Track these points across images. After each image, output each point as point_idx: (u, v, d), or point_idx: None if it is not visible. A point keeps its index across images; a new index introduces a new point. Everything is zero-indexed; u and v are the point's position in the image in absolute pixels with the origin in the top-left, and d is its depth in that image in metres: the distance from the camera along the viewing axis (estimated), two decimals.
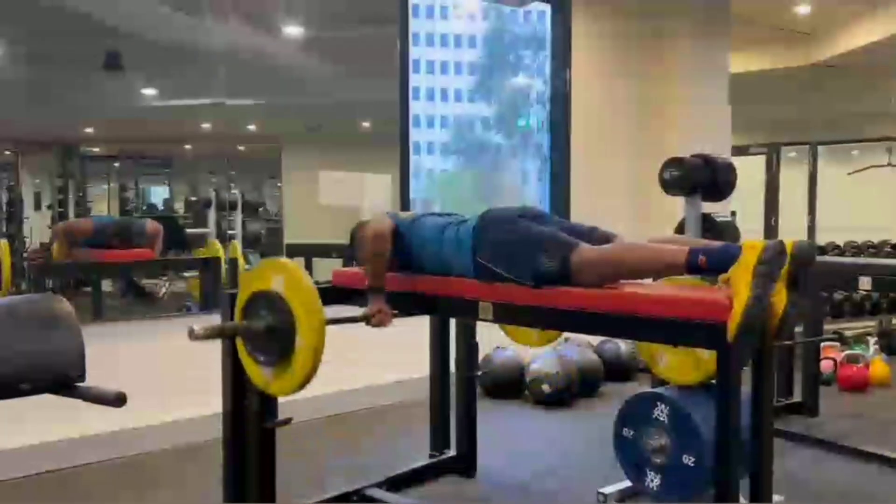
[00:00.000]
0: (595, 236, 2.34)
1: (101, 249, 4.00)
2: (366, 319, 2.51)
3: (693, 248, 2.03)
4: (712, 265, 1.98)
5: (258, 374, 2.25)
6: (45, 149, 4.01)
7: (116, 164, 4.33)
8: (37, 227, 3.89)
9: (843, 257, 6.70)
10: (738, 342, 1.84)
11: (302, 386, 2.14)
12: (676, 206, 3.78)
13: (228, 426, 2.54)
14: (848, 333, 4.24)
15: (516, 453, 3.63)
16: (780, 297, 1.90)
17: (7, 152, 3.73)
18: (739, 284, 1.85)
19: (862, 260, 6.06)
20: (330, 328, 2.14)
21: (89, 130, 4.16)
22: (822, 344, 4.40)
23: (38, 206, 3.93)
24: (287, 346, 2.13)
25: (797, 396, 4.22)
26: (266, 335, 2.18)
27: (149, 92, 4.11)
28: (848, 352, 4.89)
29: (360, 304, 2.63)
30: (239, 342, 2.29)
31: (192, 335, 2.07)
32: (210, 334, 2.14)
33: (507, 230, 2.33)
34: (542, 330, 2.98)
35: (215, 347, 2.47)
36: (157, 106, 4.13)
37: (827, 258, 5.90)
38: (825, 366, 4.64)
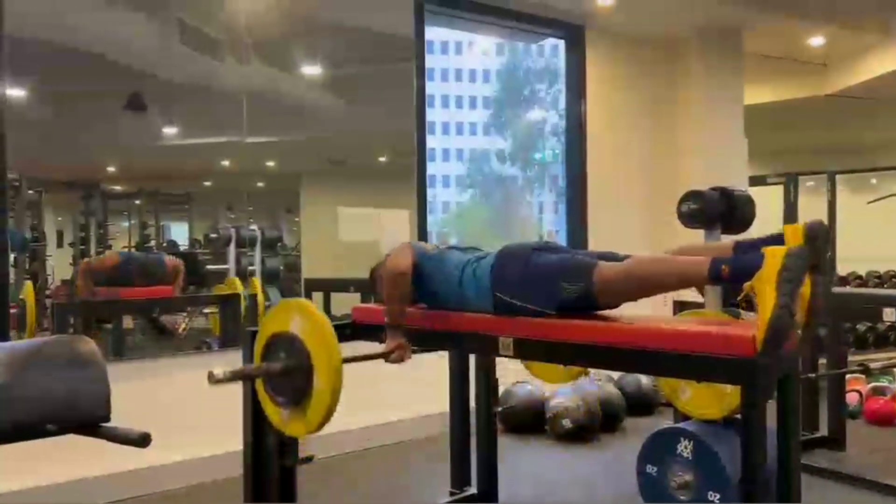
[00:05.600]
0: (611, 258, 2.33)
1: (124, 287, 4.03)
2: (384, 356, 2.52)
3: (715, 258, 2.03)
4: (735, 274, 1.98)
5: (276, 414, 2.25)
6: (68, 187, 4.07)
7: (137, 202, 4.38)
8: (59, 265, 3.93)
9: (866, 288, 6.62)
10: (765, 358, 1.82)
11: (319, 427, 2.13)
12: (694, 238, 3.76)
13: (249, 464, 2.53)
14: (873, 365, 4.17)
15: (538, 490, 3.59)
16: (805, 287, 1.89)
17: (30, 191, 3.79)
18: (765, 291, 1.84)
19: (885, 291, 5.98)
20: (349, 364, 2.14)
21: (111, 169, 4.22)
22: (847, 376, 4.33)
23: (60, 244, 3.97)
24: (305, 387, 2.12)
25: (823, 430, 4.16)
26: (284, 377, 2.18)
27: (169, 131, 4.17)
28: (874, 384, 4.82)
29: (379, 341, 2.63)
30: (259, 383, 2.29)
31: (212, 379, 2.06)
32: (229, 378, 2.13)
33: (525, 264, 2.32)
34: (564, 365, 2.96)
35: (236, 385, 2.47)
36: (177, 144, 4.18)
37: (849, 289, 5.84)
38: (851, 398, 4.57)
